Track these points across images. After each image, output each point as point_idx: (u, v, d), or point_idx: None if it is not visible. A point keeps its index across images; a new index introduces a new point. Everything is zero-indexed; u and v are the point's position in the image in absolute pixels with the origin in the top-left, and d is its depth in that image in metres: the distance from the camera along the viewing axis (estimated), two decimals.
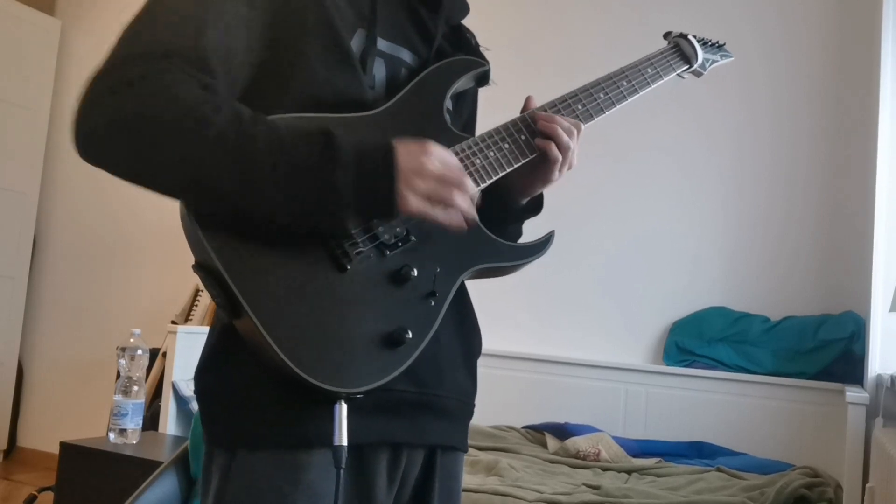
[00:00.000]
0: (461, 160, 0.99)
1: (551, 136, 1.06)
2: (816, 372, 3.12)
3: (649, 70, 1.21)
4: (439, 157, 0.91)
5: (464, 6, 1.17)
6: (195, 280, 4.07)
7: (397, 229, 0.94)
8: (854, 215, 3.19)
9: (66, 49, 4.84)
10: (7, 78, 4.53)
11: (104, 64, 0.86)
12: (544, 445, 3.16)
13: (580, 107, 1.12)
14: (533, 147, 1.06)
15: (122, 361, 2.99)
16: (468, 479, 2.51)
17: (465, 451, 1.13)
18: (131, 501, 1.37)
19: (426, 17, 1.10)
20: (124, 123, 0.82)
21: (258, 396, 0.91)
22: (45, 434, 4.47)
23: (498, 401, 3.40)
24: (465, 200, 0.92)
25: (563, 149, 1.07)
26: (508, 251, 1.05)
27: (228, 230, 0.87)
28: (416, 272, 0.92)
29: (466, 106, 1.16)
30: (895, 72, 2.95)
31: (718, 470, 2.79)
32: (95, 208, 4.63)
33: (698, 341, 3.33)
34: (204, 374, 0.98)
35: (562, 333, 3.57)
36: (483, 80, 1.12)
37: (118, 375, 2.99)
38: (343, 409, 0.87)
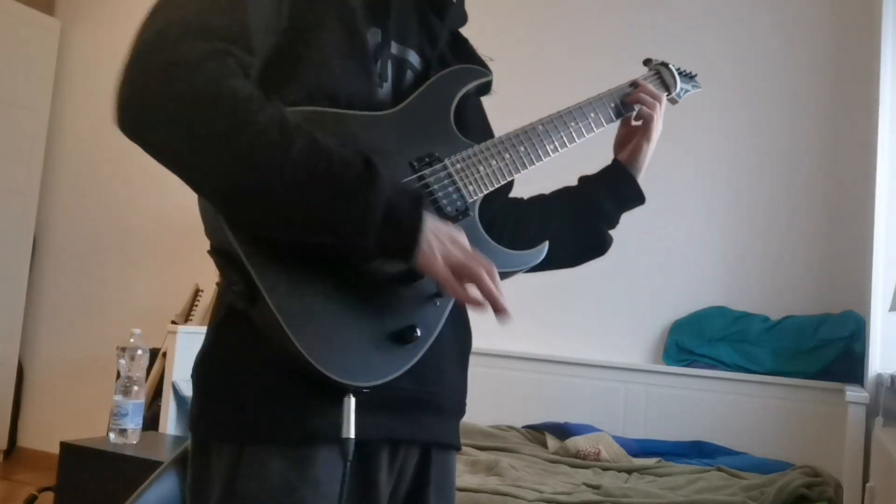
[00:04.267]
0: (467, 165, 1.04)
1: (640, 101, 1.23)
2: (816, 371, 3.12)
3: (628, 90, 1.27)
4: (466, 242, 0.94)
5: (464, 15, 1.20)
6: (195, 280, 4.07)
7: None
8: (854, 215, 3.19)
9: (66, 49, 4.84)
10: (7, 78, 4.53)
11: (153, 35, 0.85)
12: (544, 445, 3.16)
13: (563, 123, 1.16)
14: (531, 159, 1.11)
15: (123, 361, 2.99)
16: (468, 479, 2.51)
17: (459, 448, 1.15)
18: (131, 502, 1.37)
19: (434, 22, 1.12)
20: (171, 103, 0.82)
21: (264, 390, 0.92)
22: (45, 434, 4.47)
23: (498, 400, 3.40)
24: (491, 283, 0.93)
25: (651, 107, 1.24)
26: (506, 256, 1.07)
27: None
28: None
29: (471, 113, 1.17)
30: (895, 71, 2.95)
31: (718, 469, 2.79)
32: (95, 209, 4.63)
33: (698, 341, 3.33)
34: (205, 366, 0.98)
35: (562, 333, 3.57)
36: (485, 89, 1.15)
37: (118, 375, 2.99)
38: (352, 402, 0.89)
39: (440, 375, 1.05)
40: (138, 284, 4.44)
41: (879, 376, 2.77)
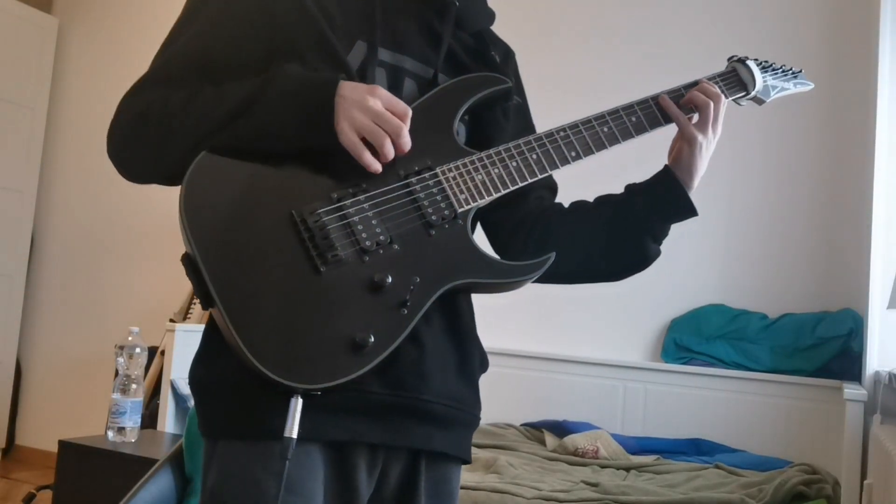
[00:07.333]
0: (462, 174, 1.02)
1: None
2: (814, 369, 3.12)
3: (683, 91, 1.18)
4: (384, 99, 0.96)
5: (484, 14, 1.16)
6: None
7: (380, 236, 0.96)
8: (852, 212, 3.19)
9: (64, 47, 4.83)
10: (4, 76, 4.53)
11: (130, 89, 1.05)
12: (543, 443, 3.16)
13: (631, 118, 1.13)
14: (543, 167, 1.06)
15: (121, 360, 2.98)
16: (466, 477, 2.51)
17: (463, 458, 1.10)
18: (127, 500, 1.37)
19: (436, 24, 1.09)
20: (119, 145, 1.06)
21: (233, 389, 0.95)
22: (43, 432, 4.47)
23: (496, 398, 3.39)
24: (392, 147, 0.97)
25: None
26: (498, 268, 1.04)
27: (212, 224, 0.92)
28: (390, 280, 0.94)
29: (496, 121, 1.13)
30: (893, 69, 2.95)
31: (717, 467, 2.79)
32: (93, 206, 4.63)
33: (697, 339, 3.33)
34: (195, 365, 1.03)
35: (560, 331, 3.57)
36: (504, 97, 1.11)
37: (116, 373, 2.99)
38: (297, 403, 0.90)
39: (425, 381, 1.01)
40: (136, 282, 4.44)
41: (877, 374, 2.77)
